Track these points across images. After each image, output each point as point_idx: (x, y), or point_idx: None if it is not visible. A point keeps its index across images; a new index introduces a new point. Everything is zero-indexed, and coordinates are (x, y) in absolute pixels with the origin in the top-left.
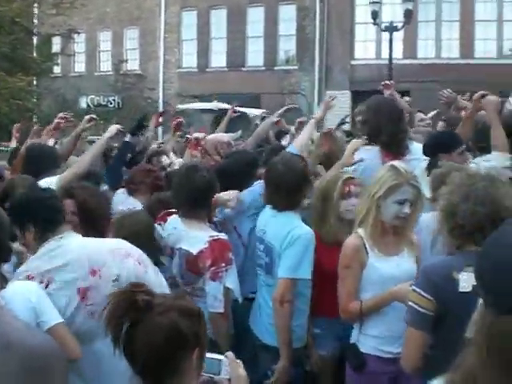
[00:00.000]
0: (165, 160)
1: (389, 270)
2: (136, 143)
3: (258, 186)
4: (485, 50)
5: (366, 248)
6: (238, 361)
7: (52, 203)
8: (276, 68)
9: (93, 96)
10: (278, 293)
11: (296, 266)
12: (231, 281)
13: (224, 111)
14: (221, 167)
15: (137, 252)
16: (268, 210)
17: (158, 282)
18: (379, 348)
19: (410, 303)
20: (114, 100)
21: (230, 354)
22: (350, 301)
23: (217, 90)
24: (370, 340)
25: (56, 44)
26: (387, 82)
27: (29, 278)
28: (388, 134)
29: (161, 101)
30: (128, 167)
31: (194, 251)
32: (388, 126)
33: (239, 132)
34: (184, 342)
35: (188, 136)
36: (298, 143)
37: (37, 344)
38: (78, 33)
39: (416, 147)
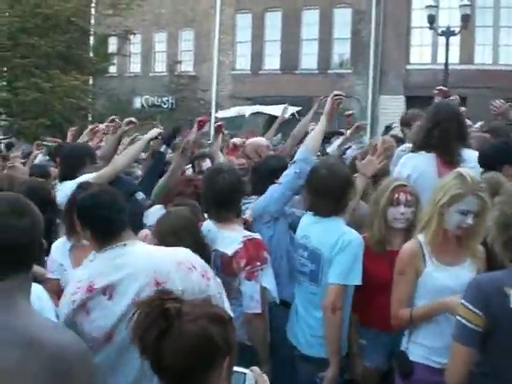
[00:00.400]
0: (207, 164)
1: (445, 281)
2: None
3: (270, 191)
4: None
5: (424, 255)
6: (264, 376)
7: (118, 206)
8: (329, 71)
9: (147, 96)
10: (329, 300)
11: (347, 271)
12: (268, 281)
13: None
14: (252, 169)
15: (200, 263)
16: (309, 217)
17: (217, 290)
18: (428, 357)
19: (457, 317)
20: (167, 101)
21: (255, 368)
22: (400, 307)
23: (270, 92)
24: (419, 349)
25: (112, 44)
26: (442, 87)
27: (90, 288)
28: (441, 140)
29: (214, 102)
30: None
31: (230, 252)
32: (434, 131)
33: (279, 136)
34: (215, 349)
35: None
36: (310, 144)
37: (64, 344)
38: (134, 33)
39: (470, 155)
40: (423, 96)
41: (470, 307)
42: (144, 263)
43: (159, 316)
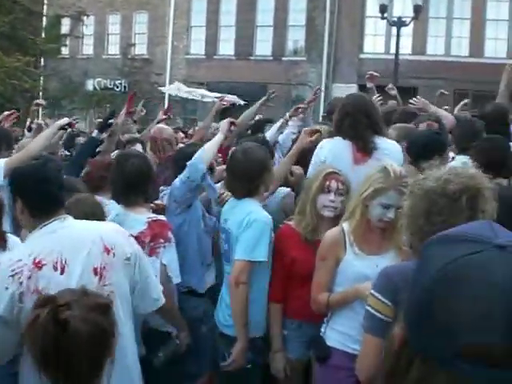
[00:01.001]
0: (137, 149)
1: (363, 269)
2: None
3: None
4: (495, 49)
5: (345, 243)
6: None
7: (59, 182)
8: (284, 58)
9: (99, 79)
10: (233, 275)
11: (252, 248)
12: (169, 258)
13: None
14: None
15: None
16: (231, 201)
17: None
18: (344, 343)
19: (367, 307)
20: (120, 84)
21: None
22: (318, 292)
23: (224, 77)
24: (336, 334)
25: (65, 25)
26: (372, 72)
27: (38, 263)
28: (352, 127)
29: (167, 86)
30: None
31: (134, 233)
32: (346, 120)
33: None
34: (109, 337)
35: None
36: (203, 154)
37: None
38: (87, 15)
39: (387, 143)
40: (376, 85)
41: (379, 297)
42: (89, 232)
43: (51, 326)
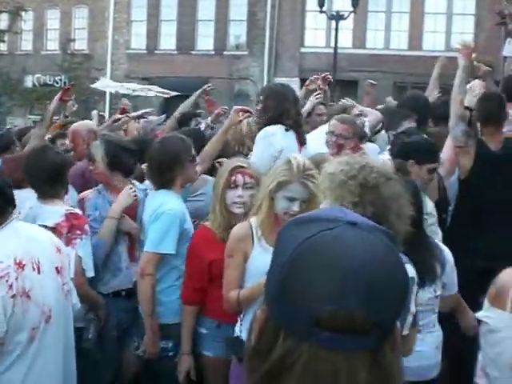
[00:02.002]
0: (68, 143)
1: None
2: None
3: None
4: (433, 42)
5: (253, 237)
6: None
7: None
8: (225, 53)
9: (39, 75)
10: (140, 266)
11: (159, 240)
12: (84, 251)
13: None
14: None
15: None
16: (151, 191)
17: None
18: None
19: None
20: (60, 80)
21: None
22: (229, 290)
23: (166, 72)
24: None
25: (3, 21)
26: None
27: (19, 264)
28: (293, 118)
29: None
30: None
31: (50, 224)
32: (292, 110)
33: (163, 116)
34: None
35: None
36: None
37: None
38: (26, 10)
39: (309, 139)
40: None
41: None
42: (42, 233)
43: None
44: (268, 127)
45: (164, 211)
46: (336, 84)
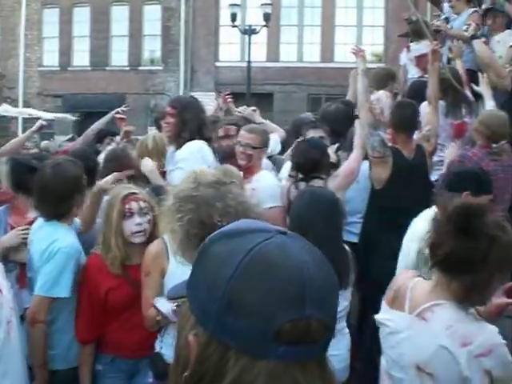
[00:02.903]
0: None
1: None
2: None
3: None
4: (345, 54)
5: (168, 253)
6: None
7: None
8: (140, 68)
9: None
10: (31, 311)
11: (52, 283)
12: None
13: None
14: None
15: None
16: (40, 219)
17: None
18: None
19: None
20: None
21: None
22: (147, 308)
23: (79, 89)
24: (171, 349)
25: None
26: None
27: None
28: (209, 130)
29: (21, 100)
30: None
31: None
32: (208, 123)
33: (70, 135)
34: None
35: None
36: None
37: None
38: None
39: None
40: (233, 92)
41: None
42: None
43: None
44: (195, 142)
45: (59, 249)
46: (251, 97)
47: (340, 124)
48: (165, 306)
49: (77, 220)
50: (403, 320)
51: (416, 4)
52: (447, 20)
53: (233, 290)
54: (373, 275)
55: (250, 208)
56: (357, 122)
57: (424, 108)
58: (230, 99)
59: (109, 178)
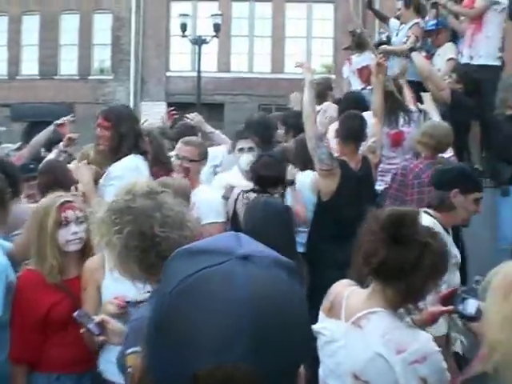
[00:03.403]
0: None
1: (125, 292)
2: None
3: None
4: (294, 64)
5: (105, 268)
6: None
7: None
8: (90, 77)
9: None
10: None
11: None
12: None
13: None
14: None
15: None
16: None
17: None
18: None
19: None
20: None
21: None
22: None
23: (28, 98)
24: (111, 366)
25: None
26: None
27: None
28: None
29: None
30: None
31: None
32: (142, 134)
33: (18, 143)
34: None
35: None
36: None
37: None
38: None
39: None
40: (184, 102)
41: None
42: None
43: None
44: (131, 158)
45: None
46: (202, 107)
47: (265, 133)
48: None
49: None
50: (339, 328)
51: (364, 20)
52: (389, 39)
53: (162, 316)
54: (317, 285)
55: (186, 218)
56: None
57: (367, 118)
58: (175, 115)
59: None
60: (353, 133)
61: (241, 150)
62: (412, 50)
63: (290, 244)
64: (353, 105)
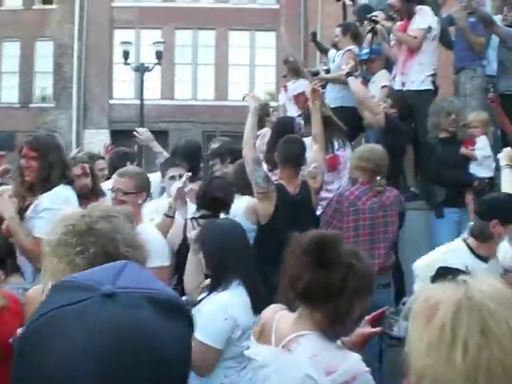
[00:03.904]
0: None
1: None
2: None
3: None
4: (238, 92)
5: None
6: None
7: None
8: (32, 105)
9: None
10: None
11: None
12: None
13: None
14: None
15: None
16: None
17: None
18: None
19: None
20: None
21: None
22: None
23: None
24: None
25: None
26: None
27: None
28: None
29: None
30: None
31: None
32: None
33: None
34: None
35: None
36: None
37: None
38: None
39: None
40: (127, 130)
41: None
42: None
43: None
44: (60, 189)
45: None
46: None
47: (192, 159)
48: None
49: None
50: (270, 353)
51: (306, 51)
52: (328, 71)
53: (18, 346)
54: (260, 310)
55: (139, 241)
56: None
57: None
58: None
59: None
60: (291, 157)
61: (172, 177)
62: (349, 74)
63: (252, 265)
64: (281, 131)
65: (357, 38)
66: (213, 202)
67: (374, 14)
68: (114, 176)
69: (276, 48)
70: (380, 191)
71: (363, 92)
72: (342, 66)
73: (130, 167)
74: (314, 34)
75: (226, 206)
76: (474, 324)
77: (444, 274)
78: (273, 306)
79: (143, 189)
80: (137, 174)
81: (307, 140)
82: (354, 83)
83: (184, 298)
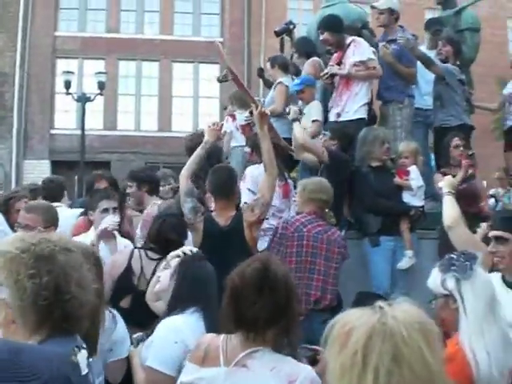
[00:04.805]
0: None
1: None
2: None
3: None
4: (182, 123)
5: None
6: None
7: None
8: None
9: None
10: None
11: None
12: None
13: None
14: None
15: None
16: None
17: None
18: None
19: None
20: None
21: None
22: None
23: None
24: None
25: None
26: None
27: None
28: None
29: None
30: None
31: None
32: None
33: None
34: None
35: None
36: None
37: None
38: None
39: None
40: (69, 161)
41: None
42: None
43: None
44: None
45: None
46: (87, 165)
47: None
48: None
49: None
50: (219, 375)
51: (249, 82)
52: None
53: None
54: None
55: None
56: None
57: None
58: None
59: None
60: (219, 188)
61: (105, 210)
62: (295, 120)
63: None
64: (213, 159)
65: (287, 69)
66: (165, 242)
67: (325, 71)
68: (21, 211)
69: None
70: (333, 223)
71: (303, 137)
72: (287, 109)
73: (40, 202)
74: (262, 70)
75: (178, 246)
76: (386, 350)
77: (363, 299)
78: (209, 334)
79: (52, 223)
80: (46, 209)
81: (258, 168)
82: (298, 129)
83: (139, 334)
